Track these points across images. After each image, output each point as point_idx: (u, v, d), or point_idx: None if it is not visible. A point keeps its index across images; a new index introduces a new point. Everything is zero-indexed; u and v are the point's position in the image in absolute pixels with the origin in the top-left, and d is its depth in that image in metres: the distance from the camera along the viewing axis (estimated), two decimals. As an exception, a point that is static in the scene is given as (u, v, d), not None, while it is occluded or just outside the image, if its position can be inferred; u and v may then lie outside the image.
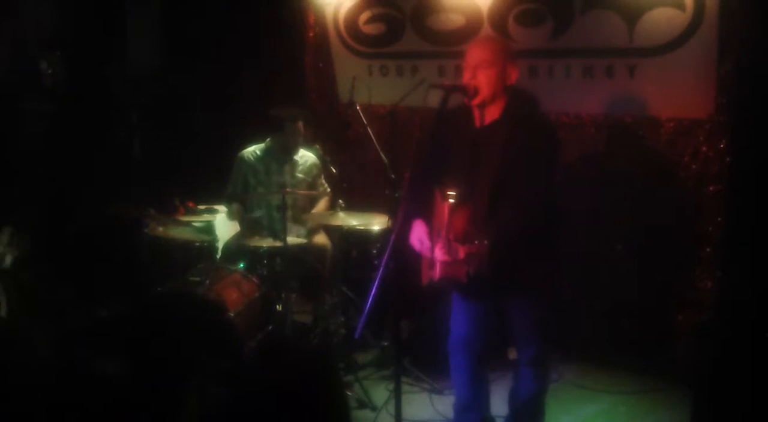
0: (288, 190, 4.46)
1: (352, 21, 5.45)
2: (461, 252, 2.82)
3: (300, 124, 4.72)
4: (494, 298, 3.18)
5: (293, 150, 4.80)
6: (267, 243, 4.44)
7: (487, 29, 4.74)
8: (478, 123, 3.12)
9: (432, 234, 3.13)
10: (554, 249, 3.17)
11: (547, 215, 3.04)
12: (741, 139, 3.97)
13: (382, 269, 2.74)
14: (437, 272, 2.99)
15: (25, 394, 1.88)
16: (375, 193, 5.26)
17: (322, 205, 4.92)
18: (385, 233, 4.35)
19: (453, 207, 2.94)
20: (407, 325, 4.48)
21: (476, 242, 2.80)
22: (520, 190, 2.94)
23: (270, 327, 4.23)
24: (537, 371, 3.31)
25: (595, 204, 4.51)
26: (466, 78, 3.03)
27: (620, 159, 4.48)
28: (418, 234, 3.15)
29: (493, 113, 3.07)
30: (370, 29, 5.40)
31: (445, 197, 2.97)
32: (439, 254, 2.94)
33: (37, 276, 4.75)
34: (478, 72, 3.00)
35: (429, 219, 3.19)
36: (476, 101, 3.03)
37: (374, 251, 4.51)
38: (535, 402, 3.38)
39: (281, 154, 4.79)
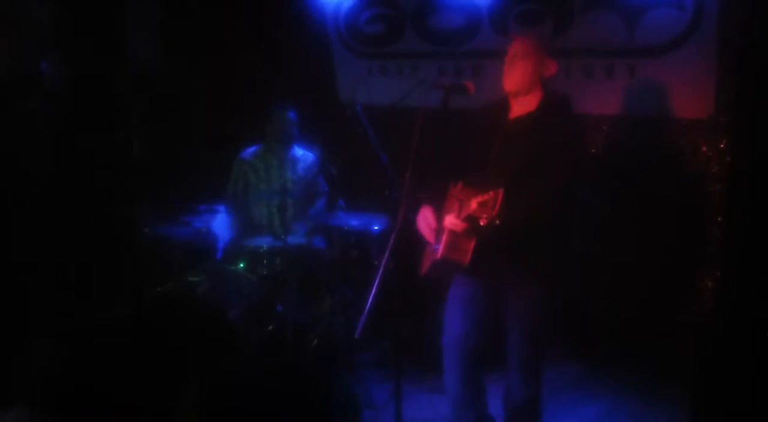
0: (288, 189, 4.46)
1: (352, 21, 5.46)
2: (473, 204, 2.75)
3: (290, 114, 4.73)
4: (492, 293, 3.17)
5: (286, 141, 4.80)
6: (267, 243, 4.44)
7: (487, 29, 4.75)
8: (510, 114, 3.20)
9: (440, 219, 3.15)
10: (557, 249, 3.16)
11: (557, 214, 3.03)
12: (741, 139, 3.98)
13: (382, 269, 2.74)
14: (440, 251, 2.98)
15: (26, 393, 1.88)
16: (375, 192, 5.26)
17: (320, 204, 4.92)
18: (385, 233, 4.35)
19: (465, 184, 3.00)
20: (407, 325, 4.48)
21: (491, 191, 2.73)
22: (534, 185, 2.94)
23: (270, 327, 4.23)
24: (526, 376, 3.25)
25: (595, 203, 4.51)
26: (506, 66, 3.16)
27: (620, 159, 4.48)
28: (425, 216, 3.19)
29: (527, 105, 3.16)
30: (370, 29, 5.40)
31: (458, 182, 3.01)
32: (449, 220, 2.95)
33: (37, 277, 4.75)
34: (516, 61, 3.13)
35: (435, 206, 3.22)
36: (509, 87, 3.15)
37: (374, 251, 4.51)
38: (527, 408, 3.32)
39: (280, 151, 4.79)
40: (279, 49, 5.69)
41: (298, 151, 4.88)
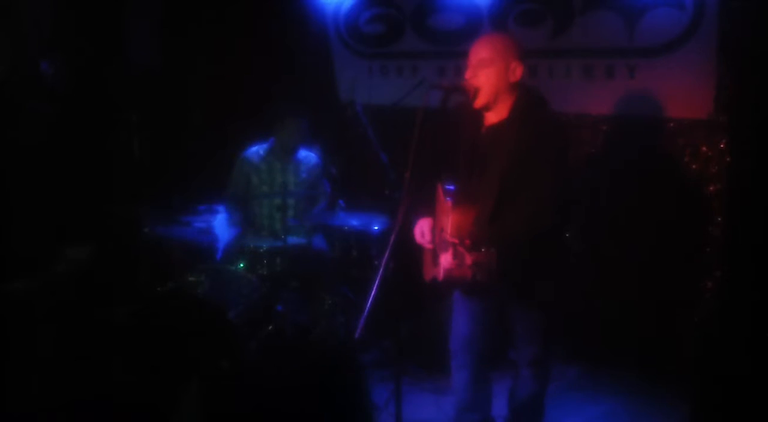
0: (289, 190, 4.46)
1: (352, 21, 5.46)
2: (468, 260, 2.78)
3: (303, 121, 4.72)
4: (498, 297, 3.17)
5: (294, 148, 4.80)
6: (267, 243, 4.44)
7: (487, 29, 4.75)
8: (485, 122, 3.10)
9: (435, 230, 3.13)
10: (560, 249, 3.15)
11: (556, 217, 3.00)
12: (741, 139, 3.98)
13: (382, 269, 2.74)
14: (441, 273, 2.98)
15: (25, 394, 1.88)
16: (375, 192, 5.26)
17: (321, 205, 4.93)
18: (385, 233, 4.35)
19: (456, 208, 2.92)
20: (408, 325, 4.49)
21: (483, 250, 2.76)
22: (527, 192, 2.90)
23: (270, 327, 4.23)
24: (537, 372, 3.28)
25: (594, 204, 4.51)
26: (468, 76, 3.02)
27: (620, 159, 4.48)
28: (421, 227, 3.18)
29: (500, 112, 3.05)
30: (370, 29, 5.40)
31: (447, 195, 2.95)
32: (446, 261, 2.92)
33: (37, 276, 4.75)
34: (479, 71, 2.99)
35: (432, 215, 3.20)
36: (478, 103, 3.02)
37: (374, 251, 4.51)
38: (534, 404, 3.36)
39: (284, 154, 4.79)
40: (279, 49, 5.69)
41: (302, 153, 4.87)
